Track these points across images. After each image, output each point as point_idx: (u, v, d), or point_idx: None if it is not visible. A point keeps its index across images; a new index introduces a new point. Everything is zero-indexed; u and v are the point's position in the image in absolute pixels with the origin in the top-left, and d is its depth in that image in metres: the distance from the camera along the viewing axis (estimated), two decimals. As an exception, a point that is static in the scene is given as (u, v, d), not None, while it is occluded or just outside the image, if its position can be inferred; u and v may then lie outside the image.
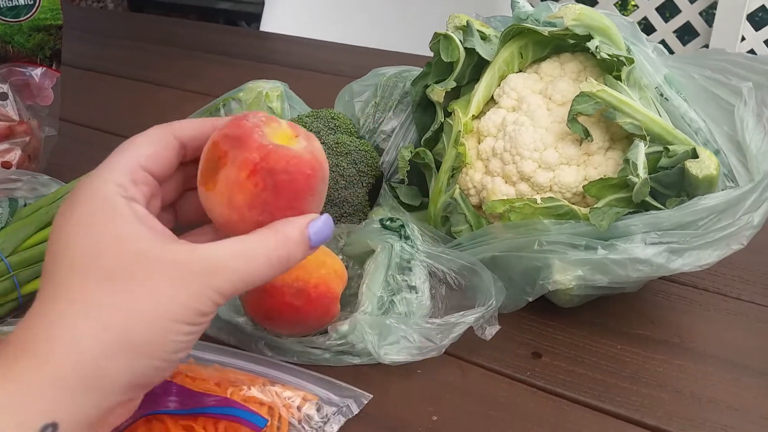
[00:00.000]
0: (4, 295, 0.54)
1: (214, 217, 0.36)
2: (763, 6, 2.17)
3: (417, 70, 0.68)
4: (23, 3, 0.66)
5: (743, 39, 2.23)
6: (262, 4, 1.49)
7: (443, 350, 0.49)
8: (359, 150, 0.62)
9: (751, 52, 2.24)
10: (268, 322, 0.51)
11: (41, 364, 0.29)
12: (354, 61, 1.18)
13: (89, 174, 0.34)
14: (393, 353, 0.48)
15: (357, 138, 0.64)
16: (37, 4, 0.67)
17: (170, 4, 2.73)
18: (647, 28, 2.40)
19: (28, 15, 0.66)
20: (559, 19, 0.52)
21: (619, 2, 2.48)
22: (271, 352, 0.51)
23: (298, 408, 0.44)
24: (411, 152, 0.59)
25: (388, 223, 0.56)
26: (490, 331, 0.51)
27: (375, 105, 0.66)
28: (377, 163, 0.63)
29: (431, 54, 0.59)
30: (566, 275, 0.48)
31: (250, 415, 0.41)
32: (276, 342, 0.51)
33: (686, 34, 2.35)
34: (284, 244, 0.34)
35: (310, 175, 0.35)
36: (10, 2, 0.65)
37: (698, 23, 2.30)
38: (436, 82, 0.59)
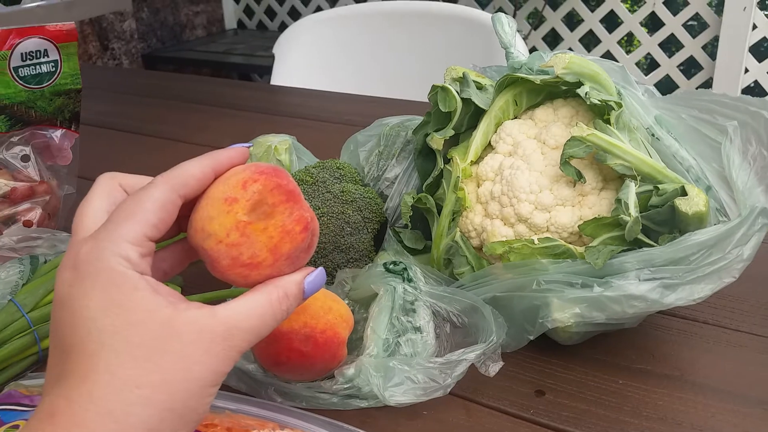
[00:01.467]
0: (24, 349, 0.56)
1: (237, 252, 0.37)
2: (765, 38, 2.20)
3: (419, 119, 0.70)
4: (46, 71, 0.70)
5: (747, 71, 2.25)
6: (273, 56, 1.54)
7: (448, 390, 0.50)
8: (364, 197, 0.64)
9: (755, 83, 2.27)
10: (277, 368, 0.53)
11: None
12: (360, 110, 1.22)
13: (94, 240, 0.34)
14: (398, 395, 0.50)
15: (362, 186, 0.66)
16: (58, 71, 0.71)
17: (183, 59, 2.82)
18: (651, 63, 2.44)
19: (50, 81, 0.70)
20: (551, 68, 0.55)
21: (625, 39, 2.52)
22: (281, 398, 0.52)
23: (307, 451, 0.45)
24: (413, 198, 0.61)
25: (391, 266, 0.58)
26: (494, 368, 0.52)
27: (379, 154, 0.69)
28: (381, 210, 0.65)
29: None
30: (564, 313, 0.49)
31: (260, 458, 0.43)
32: (285, 388, 0.53)
33: (691, 67, 2.38)
34: (285, 300, 0.37)
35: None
36: (34, 70, 0.69)
37: (701, 57, 2.33)
38: (436, 131, 0.62)
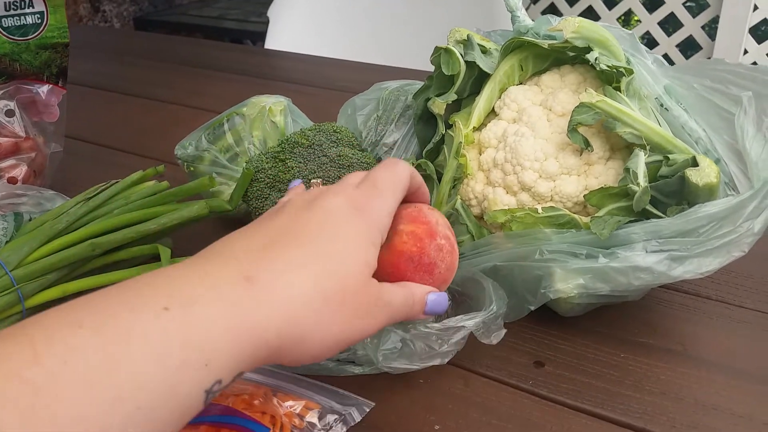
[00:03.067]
0: (8, 308, 0.54)
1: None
2: (766, 19, 2.18)
3: (419, 84, 0.68)
4: (31, 22, 0.67)
5: (746, 52, 2.24)
6: (267, 22, 1.50)
7: (446, 359, 0.49)
8: (361, 162, 0.62)
9: (754, 64, 2.25)
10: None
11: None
12: (356, 77, 1.19)
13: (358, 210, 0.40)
14: (393, 359, 0.48)
15: (359, 151, 0.64)
16: (44, 23, 0.68)
17: (175, 24, 2.76)
18: (650, 42, 2.42)
19: (36, 33, 0.68)
20: (559, 32, 0.53)
21: (623, 17, 2.49)
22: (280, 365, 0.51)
23: (300, 416, 0.44)
24: (413, 164, 0.59)
25: None
26: (497, 335, 0.50)
27: (377, 118, 0.67)
28: (379, 175, 0.63)
29: (432, 68, 0.60)
30: (568, 284, 0.48)
31: (253, 424, 0.41)
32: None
33: (689, 48, 2.36)
34: (414, 302, 0.43)
35: None
36: (18, 21, 0.66)
37: (701, 37, 2.31)
38: (437, 95, 0.60)
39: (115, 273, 0.58)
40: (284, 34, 1.47)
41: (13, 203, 0.63)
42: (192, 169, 0.69)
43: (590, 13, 2.48)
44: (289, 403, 0.44)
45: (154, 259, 0.61)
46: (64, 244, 0.56)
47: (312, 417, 0.44)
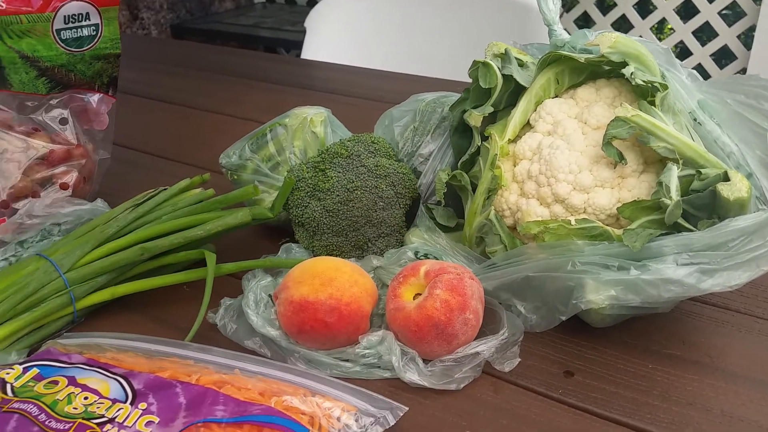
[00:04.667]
0: (60, 309, 0.57)
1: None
2: (804, 29, 2.15)
3: (455, 96, 0.70)
4: (87, 34, 0.70)
5: (783, 62, 2.20)
6: (303, 32, 1.53)
7: (462, 384, 0.51)
8: (398, 173, 0.64)
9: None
10: (301, 336, 0.53)
11: None
12: (393, 87, 1.21)
13: None
14: (413, 375, 0.50)
15: (396, 161, 0.66)
16: (99, 35, 0.71)
17: (211, 31, 2.82)
18: (683, 51, 2.40)
19: (91, 45, 0.71)
20: (596, 46, 0.54)
21: (656, 26, 2.47)
22: (306, 365, 0.53)
23: (338, 418, 0.46)
24: (448, 175, 0.61)
25: (421, 257, 0.58)
26: (511, 363, 0.52)
27: (414, 129, 0.69)
28: (415, 186, 0.65)
29: (468, 80, 0.62)
30: (599, 295, 0.49)
31: (292, 424, 0.43)
32: (310, 355, 0.53)
33: (723, 57, 2.33)
34: None
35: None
36: (75, 33, 0.70)
37: (736, 47, 2.28)
38: (474, 107, 0.61)
39: (162, 277, 0.61)
40: (321, 44, 1.50)
41: (53, 213, 0.65)
42: (236, 177, 0.72)
43: (623, 22, 2.47)
44: (327, 404, 0.46)
45: (198, 264, 0.63)
46: (114, 248, 0.59)
47: (349, 419, 0.45)
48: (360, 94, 1.19)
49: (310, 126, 0.70)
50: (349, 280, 0.53)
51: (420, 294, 0.52)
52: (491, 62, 0.58)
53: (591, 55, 0.56)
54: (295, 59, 1.50)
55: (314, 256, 0.63)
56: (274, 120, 0.73)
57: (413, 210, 0.66)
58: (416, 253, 0.58)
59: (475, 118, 0.59)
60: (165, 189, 0.66)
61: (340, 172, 0.63)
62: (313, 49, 1.50)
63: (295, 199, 0.65)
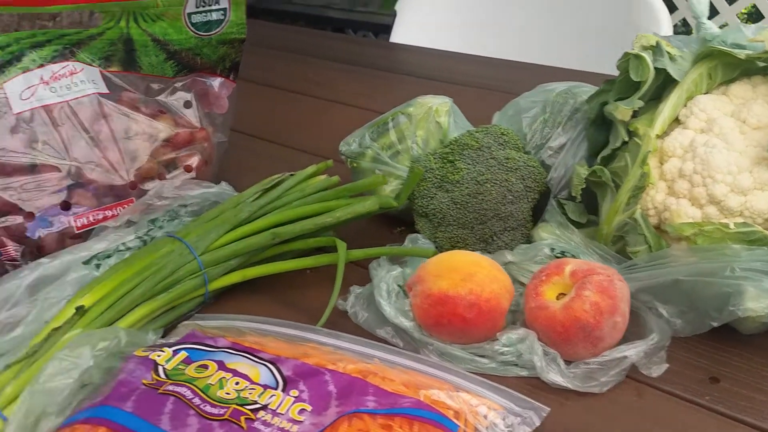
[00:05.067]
0: (193, 290, 0.58)
1: None
2: None
3: (586, 87, 0.68)
4: (215, 18, 0.71)
5: None
6: (373, 12, 1.51)
7: (605, 387, 0.49)
8: (527, 166, 0.63)
9: None
10: (436, 329, 0.53)
11: None
12: (495, 74, 1.18)
13: None
14: (555, 375, 0.49)
15: (524, 153, 0.65)
16: (226, 19, 0.72)
17: (281, 12, 2.82)
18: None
19: (218, 29, 0.72)
20: (759, 42, 0.51)
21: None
22: (439, 358, 0.52)
23: (485, 416, 0.45)
24: (587, 170, 0.59)
25: (558, 254, 0.57)
26: (658, 369, 0.50)
27: (543, 121, 0.67)
28: (544, 179, 0.64)
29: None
30: (760, 303, 0.47)
31: (444, 420, 0.42)
32: (444, 349, 0.52)
33: None
34: None
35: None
36: (204, 17, 0.70)
37: None
38: (617, 100, 0.59)
39: (292, 261, 0.61)
40: (412, 28, 1.48)
41: (182, 195, 0.67)
42: (355, 165, 0.71)
43: (753, 12, 2.32)
44: (473, 401, 0.45)
45: (321, 250, 0.64)
46: (246, 232, 0.60)
47: (496, 417, 0.45)
48: (459, 80, 1.16)
49: (435, 116, 0.69)
50: (489, 276, 0.52)
51: (564, 294, 0.51)
52: (644, 55, 0.55)
53: (751, 52, 0.53)
54: (386, 43, 1.49)
55: (437, 248, 0.62)
56: (397, 108, 0.72)
57: (538, 204, 0.64)
58: (552, 250, 0.56)
59: (622, 112, 0.57)
60: (291, 174, 0.66)
61: (469, 164, 0.62)
62: (403, 33, 1.48)
63: (421, 190, 0.64)
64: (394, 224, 0.72)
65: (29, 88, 0.65)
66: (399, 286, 0.58)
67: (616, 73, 0.60)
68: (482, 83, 1.14)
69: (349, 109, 1.08)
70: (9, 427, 0.42)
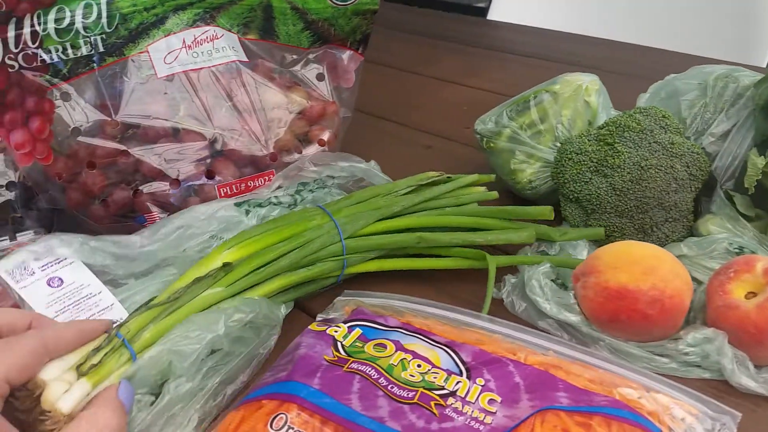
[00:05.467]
0: (330, 271, 0.56)
1: None
2: None
3: (748, 71, 0.63)
4: (355, -13, 0.69)
5: None
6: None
7: None
8: (692, 152, 0.59)
9: None
10: (611, 324, 0.50)
11: None
12: (607, 55, 1.13)
13: None
14: (750, 381, 0.45)
15: (686, 139, 0.61)
16: (364, -12, 0.69)
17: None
18: None
19: (355, -1, 0.69)
20: None
21: None
22: (614, 356, 0.49)
23: (682, 419, 0.42)
24: (765, 161, 0.54)
25: (736, 250, 0.53)
26: None
27: (704, 105, 0.63)
28: (708, 168, 0.60)
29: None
30: None
31: (646, 422, 0.40)
32: (619, 345, 0.49)
33: None
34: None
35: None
36: (342, -14, 0.68)
37: None
38: (794, 86, 0.55)
39: (430, 260, 0.58)
40: (511, 5, 1.44)
41: (331, 165, 0.65)
42: (492, 145, 0.68)
43: None
44: (666, 401, 0.42)
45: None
46: (393, 227, 0.57)
47: (693, 421, 0.42)
48: (566, 60, 1.12)
49: (584, 94, 0.66)
50: (672, 271, 0.48)
51: (754, 293, 0.47)
52: None
53: None
54: (487, 21, 1.45)
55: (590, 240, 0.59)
56: (541, 86, 0.68)
57: (699, 195, 0.61)
58: (730, 244, 0.53)
59: (807, 97, 0.53)
60: (449, 177, 0.62)
61: (631, 148, 0.59)
62: (501, 11, 1.44)
63: (573, 174, 0.61)
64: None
65: (172, 52, 0.63)
66: (552, 281, 0.55)
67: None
68: (593, 64, 1.09)
69: (459, 88, 1.05)
70: (135, 371, 0.41)
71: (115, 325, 0.43)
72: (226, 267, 0.50)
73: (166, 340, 0.44)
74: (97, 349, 0.40)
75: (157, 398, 0.41)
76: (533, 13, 1.41)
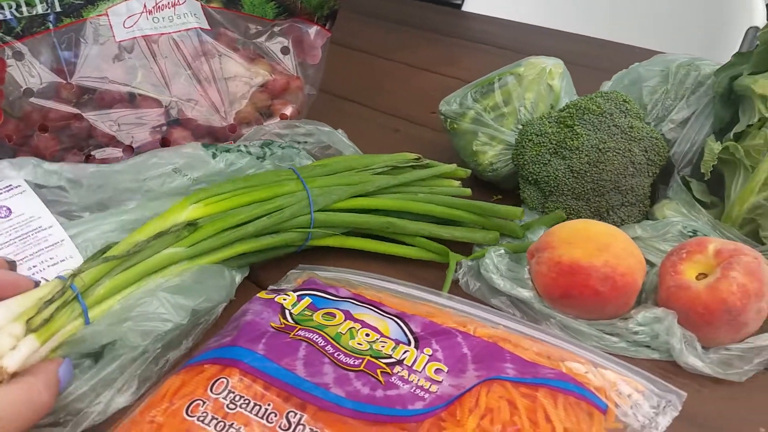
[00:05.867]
0: (293, 241, 0.55)
1: None
2: None
3: (709, 61, 0.64)
4: (322, -41, 0.68)
5: None
6: None
7: (744, 378, 0.46)
8: (650, 137, 0.59)
9: None
10: (562, 300, 0.50)
11: None
12: (580, 50, 1.14)
13: None
14: (692, 358, 0.46)
15: (646, 124, 0.61)
16: (331, -38, 0.68)
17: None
18: None
19: (324, -29, 0.68)
20: None
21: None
22: (564, 333, 0.50)
23: (628, 395, 0.42)
24: (720, 146, 0.55)
25: (690, 234, 0.54)
26: None
27: (665, 92, 0.63)
28: (666, 154, 0.60)
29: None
30: None
31: (592, 395, 0.40)
32: (569, 323, 0.49)
33: None
34: (46, 392, 0.36)
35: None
36: (312, -43, 0.67)
37: None
38: (752, 74, 0.55)
39: (391, 246, 0.57)
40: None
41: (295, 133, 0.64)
42: (455, 126, 0.68)
43: None
44: (612, 377, 0.42)
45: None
46: (364, 206, 0.56)
47: (639, 398, 0.42)
48: (540, 53, 1.12)
49: (548, 78, 0.66)
50: (625, 249, 0.49)
51: (704, 274, 0.47)
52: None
53: None
54: (462, 12, 1.44)
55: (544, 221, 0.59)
56: (505, 68, 0.68)
57: (655, 180, 0.61)
58: (684, 228, 0.53)
59: (763, 86, 0.53)
60: (426, 162, 0.61)
61: (590, 130, 0.59)
62: (478, 1, 1.44)
63: (532, 155, 0.61)
64: (491, 191, 0.69)
65: (132, 16, 0.62)
66: (506, 251, 0.55)
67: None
68: (562, 57, 1.09)
69: (430, 75, 1.05)
70: (87, 335, 0.39)
71: (66, 274, 0.41)
72: (191, 227, 0.48)
73: (128, 309, 0.42)
74: (49, 302, 0.38)
75: (95, 360, 0.40)
76: (506, 6, 1.41)
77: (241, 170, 0.55)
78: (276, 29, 0.71)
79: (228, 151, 0.56)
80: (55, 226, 0.47)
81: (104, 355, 0.41)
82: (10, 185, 0.48)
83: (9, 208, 0.47)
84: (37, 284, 0.40)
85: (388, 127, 0.88)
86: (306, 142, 0.63)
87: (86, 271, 0.41)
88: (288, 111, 0.70)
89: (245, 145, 0.58)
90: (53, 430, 0.38)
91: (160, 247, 0.46)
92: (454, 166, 0.62)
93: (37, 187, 0.49)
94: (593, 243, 0.48)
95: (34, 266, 0.45)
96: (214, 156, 0.55)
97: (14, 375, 0.35)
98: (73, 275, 0.41)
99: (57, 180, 0.49)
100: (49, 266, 0.45)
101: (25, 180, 0.49)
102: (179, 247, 0.47)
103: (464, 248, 0.58)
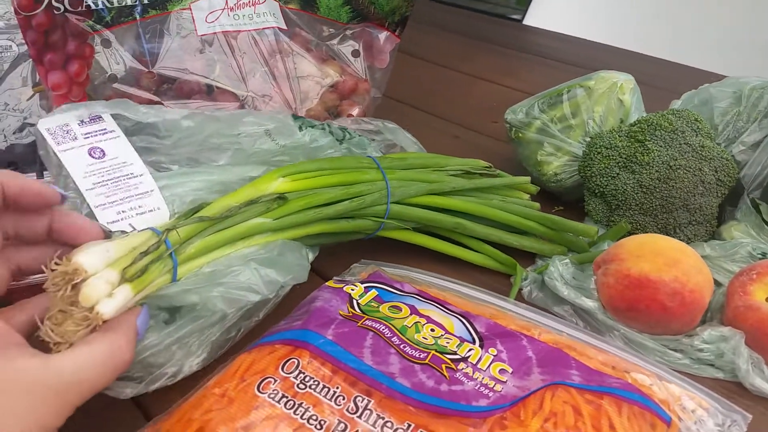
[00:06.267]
0: (365, 229, 0.55)
1: None
2: None
3: (786, 84, 0.63)
4: (399, -34, 0.69)
5: None
6: (521, 10, 1.48)
7: None
8: (721, 158, 0.59)
9: None
10: (628, 313, 0.49)
11: None
12: (644, 70, 1.13)
13: None
14: (763, 383, 0.45)
15: (716, 144, 0.60)
16: (406, -31, 0.70)
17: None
18: None
19: (399, -22, 0.70)
20: None
21: None
22: (626, 345, 0.49)
23: (692, 411, 0.41)
24: (796, 169, 0.54)
25: (759, 256, 0.53)
26: None
27: (737, 114, 0.62)
28: (736, 175, 0.59)
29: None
30: None
31: (656, 407, 0.39)
32: (633, 336, 0.49)
33: None
34: (128, 348, 0.35)
35: None
36: (388, -36, 0.68)
37: None
38: (833, 99, 0.54)
39: (459, 249, 0.58)
40: (548, 11, 1.44)
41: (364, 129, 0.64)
42: (520, 135, 0.69)
43: None
44: (677, 392, 0.42)
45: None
46: (437, 204, 0.57)
47: (704, 415, 0.41)
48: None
49: (618, 92, 0.66)
50: (695, 267, 0.48)
51: None
52: None
53: None
54: (524, 26, 1.45)
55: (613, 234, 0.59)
56: (575, 80, 0.68)
57: (723, 201, 0.60)
58: (753, 249, 0.52)
59: None
60: (496, 172, 0.61)
61: (661, 147, 0.58)
62: (539, 16, 1.44)
63: (601, 167, 0.60)
64: (552, 202, 0.68)
65: (213, 12, 0.64)
66: (571, 261, 0.54)
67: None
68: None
69: (491, 86, 1.05)
70: (176, 293, 0.39)
71: (160, 227, 0.41)
72: (281, 200, 0.48)
73: (218, 274, 0.42)
74: (145, 253, 0.38)
75: (168, 313, 0.40)
76: (568, 22, 1.41)
77: (321, 148, 0.55)
78: (348, 32, 0.73)
79: (313, 126, 0.56)
80: (146, 175, 0.47)
81: (182, 314, 0.41)
82: (105, 129, 0.48)
83: (103, 150, 0.47)
84: (107, 235, 0.40)
85: (448, 133, 0.88)
86: (373, 140, 0.64)
87: (181, 227, 0.41)
88: (355, 112, 0.71)
89: (328, 124, 0.58)
90: (127, 383, 0.39)
91: (250, 215, 0.46)
92: (527, 179, 0.62)
93: (130, 135, 0.48)
94: (663, 258, 0.48)
95: (123, 211, 0.45)
96: (300, 128, 0.55)
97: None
98: (168, 230, 0.41)
99: (154, 116, 0.48)
100: (137, 214, 0.45)
101: (119, 120, 0.49)
102: (267, 218, 0.47)
103: (526, 260, 0.58)
